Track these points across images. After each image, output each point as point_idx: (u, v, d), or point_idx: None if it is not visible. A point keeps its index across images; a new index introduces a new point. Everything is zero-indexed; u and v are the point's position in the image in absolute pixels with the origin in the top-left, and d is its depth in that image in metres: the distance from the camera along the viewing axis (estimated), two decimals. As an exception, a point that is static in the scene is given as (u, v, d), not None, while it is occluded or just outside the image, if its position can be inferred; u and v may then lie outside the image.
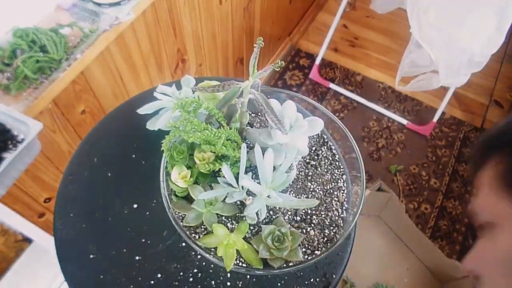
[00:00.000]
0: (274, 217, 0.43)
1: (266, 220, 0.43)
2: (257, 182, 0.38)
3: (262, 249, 0.40)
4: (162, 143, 0.41)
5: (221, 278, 0.44)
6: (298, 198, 0.45)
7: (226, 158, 0.41)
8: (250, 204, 0.39)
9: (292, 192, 0.46)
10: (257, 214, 0.41)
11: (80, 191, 0.51)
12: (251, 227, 0.42)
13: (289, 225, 0.43)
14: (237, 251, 0.40)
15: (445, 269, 1.34)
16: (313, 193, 0.46)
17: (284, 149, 0.41)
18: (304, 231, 0.43)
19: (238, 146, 0.42)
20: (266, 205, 0.41)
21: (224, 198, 0.41)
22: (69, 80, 0.84)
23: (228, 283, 0.44)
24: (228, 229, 0.41)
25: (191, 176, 0.42)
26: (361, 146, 1.76)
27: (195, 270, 0.44)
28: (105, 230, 0.47)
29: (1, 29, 0.82)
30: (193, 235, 0.41)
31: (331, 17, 1.91)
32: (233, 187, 0.39)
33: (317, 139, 0.51)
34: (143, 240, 0.46)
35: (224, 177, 0.39)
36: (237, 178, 0.39)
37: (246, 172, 0.40)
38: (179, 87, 0.51)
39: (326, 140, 0.51)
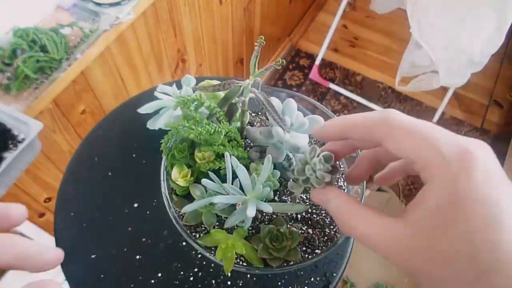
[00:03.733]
0: (274, 216, 0.43)
1: (267, 219, 0.43)
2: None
3: (261, 249, 0.40)
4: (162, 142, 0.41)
5: (222, 277, 0.44)
6: (291, 203, 0.44)
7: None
8: (231, 216, 0.39)
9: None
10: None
11: (80, 191, 0.51)
12: (251, 227, 0.42)
13: (289, 224, 0.43)
14: (238, 250, 0.40)
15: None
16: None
17: (285, 147, 0.41)
18: (304, 230, 0.43)
19: (238, 144, 0.42)
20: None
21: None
22: (70, 80, 0.85)
23: (229, 282, 0.44)
24: (228, 230, 0.41)
25: (191, 175, 0.42)
26: (361, 146, 1.76)
27: (196, 269, 0.45)
28: (105, 229, 0.47)
29: (2, 29, 0.82)
30: (194, 234, 0.41)
31: (331, 17, 1.91)
32: (220, 193, 0.39)
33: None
34: (144, 239, 0.46)
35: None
36: (234, 178, 0.38)
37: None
38: (179, 86, 0.51)
39: (326, 140, 0.51)
